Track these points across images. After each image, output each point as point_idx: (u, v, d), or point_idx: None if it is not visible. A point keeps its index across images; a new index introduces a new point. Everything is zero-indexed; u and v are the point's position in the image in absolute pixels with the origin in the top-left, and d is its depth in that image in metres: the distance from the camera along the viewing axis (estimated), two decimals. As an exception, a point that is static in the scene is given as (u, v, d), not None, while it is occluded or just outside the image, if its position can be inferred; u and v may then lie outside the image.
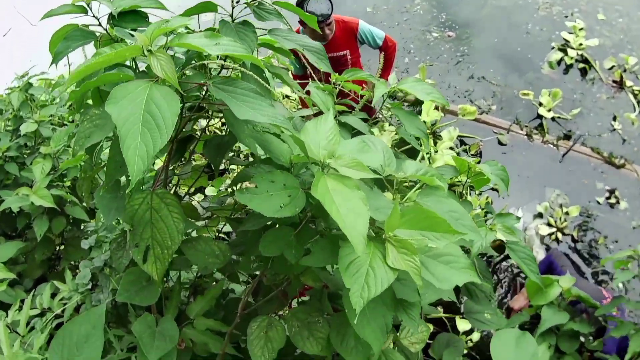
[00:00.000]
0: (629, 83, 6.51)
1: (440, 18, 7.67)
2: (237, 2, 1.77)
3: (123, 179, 1.72)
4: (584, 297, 3.05)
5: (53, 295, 2.75)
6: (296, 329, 1.81)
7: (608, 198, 5.51)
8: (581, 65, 6.78)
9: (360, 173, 1.31)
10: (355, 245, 1.19)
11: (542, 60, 6.88)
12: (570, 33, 7.08)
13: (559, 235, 5.15)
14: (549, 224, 5.26)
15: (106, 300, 2.38)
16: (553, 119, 6.20)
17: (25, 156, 3.79)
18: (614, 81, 6.59)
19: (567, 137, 6.04)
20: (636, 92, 6.44)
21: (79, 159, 2.21)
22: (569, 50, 6.87)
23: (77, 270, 2.83)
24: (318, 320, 1.82)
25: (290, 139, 1.58)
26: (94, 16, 1.80)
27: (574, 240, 5.14)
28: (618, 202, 5.47)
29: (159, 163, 2.08)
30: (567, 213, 5.30)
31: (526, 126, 6.16)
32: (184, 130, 1.99)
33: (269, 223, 1.67)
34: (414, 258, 1.28)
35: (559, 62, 6.85)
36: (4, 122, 3.91)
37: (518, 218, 2.52)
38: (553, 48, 6.98)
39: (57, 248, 3.79)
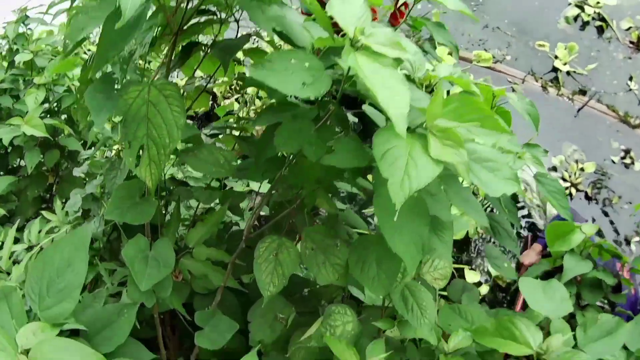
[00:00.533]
0: (646, 46, 6.31)
1: (454, -34, 7.38)
2: None
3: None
4: (607, 246, 2.86)
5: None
6: (311, 252, 1.57)
7: (623, 158, 5.34)
8: (598, 23, 6.56)
9: (398, 52, 1.08)
10: (396, 122, 0.96)
11: (559, 15, 6.63)
12: (588, -10, 6.85)
13: (573, 190, 4.98)
14: (563, 179, 5.08)
15: (97, 228, 2.17)
16: (568, 73, 6.01)
17: (20, 89, 3.59)
18: (630, 42, 6.39)
19: (582, 92, 5.86)
20: (654, 55, 6.23)
21: (72, 62, 2.00)
22: (586, 8, 6.66)
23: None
24: (335, 244, 1.60)
25: (311, 26, 1.35)
26: None
27: (587, 198, 4.97)
28: (633, 163, 5.30)
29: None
30: (582, 169, 5.12)
31: (541, 78, 5.95)
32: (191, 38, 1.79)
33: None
34: (461, 151, 1.07)
35: (575, 19, 6.62)
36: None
37: (546, 151, 2.32)
38: (570, 4, 6.74)
39: (52, 186, 3.61)
